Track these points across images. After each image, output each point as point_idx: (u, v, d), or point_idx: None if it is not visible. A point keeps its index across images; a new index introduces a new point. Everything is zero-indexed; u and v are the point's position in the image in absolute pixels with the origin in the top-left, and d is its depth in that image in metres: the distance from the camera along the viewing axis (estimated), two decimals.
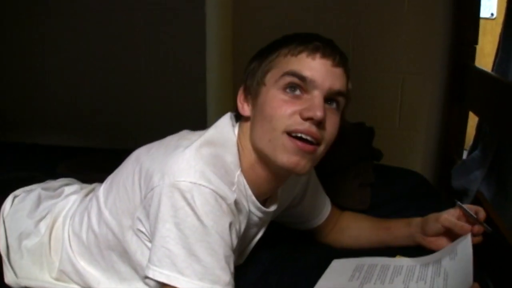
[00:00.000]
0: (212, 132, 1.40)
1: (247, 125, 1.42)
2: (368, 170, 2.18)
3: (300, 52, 1.34)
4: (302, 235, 1.83)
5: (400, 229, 1.72)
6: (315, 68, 1.32)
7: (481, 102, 2.25)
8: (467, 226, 1.53)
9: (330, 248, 1.79)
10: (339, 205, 1.72)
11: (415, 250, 1.65)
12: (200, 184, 1.23)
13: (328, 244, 1.82)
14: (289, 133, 1.31)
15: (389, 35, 2.74)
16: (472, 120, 2.54)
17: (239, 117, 1.46)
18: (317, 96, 1.31)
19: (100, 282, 1.46)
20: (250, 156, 1.41)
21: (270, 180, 1.45)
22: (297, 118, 1.31)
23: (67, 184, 1.75)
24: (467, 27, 2.52)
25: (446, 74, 2.67)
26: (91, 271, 1.46)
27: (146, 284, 1.37)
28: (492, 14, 4.41)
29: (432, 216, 1.63)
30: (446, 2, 2.62)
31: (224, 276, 1.23)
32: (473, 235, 1.51)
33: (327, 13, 2.79)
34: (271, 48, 1.40)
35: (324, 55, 1.33)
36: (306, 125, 1.31)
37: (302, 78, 1.31)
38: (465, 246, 1.46)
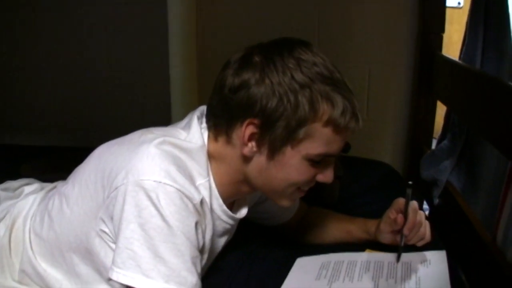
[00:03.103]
0: (178, 136, 1.36)
1: (234, 154, 1.35)
2: (336, 162, 2.16)
3: (342, 131, 1.29)
4: (270, 231, 1.81)
5: (360, 235, 1.72)
6: (343, 143, 1.34)
7: (449, 91, 2.25)
8: (400, 217, 1.52)
9: (298, 244, 1.77)
10: (307, 199, 1.70)
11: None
12: (165, 183, 1.20)
13: (296, 240, 1.80)
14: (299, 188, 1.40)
15: (355, 25, 2.72)
16: (441, 109, 2.53)
17: (216, 127, 1.37)
18: (332, 162, 1.38)
19: (62, 285, 1.41)
20: (229, 176, 1.40)
21: (247, 192, 1.48)
22: (313, 179, 1.38)
23: (27, 184, 1.69)
24: (433, 15, 2.51)
25: (413, 64, 2.66)
26: (52, 273, 1.41)
27: (111, 286, 1.33)
28: (459, 3, 4.45)
29: (378, 228, 1.63)
30: None
31: (190, 277, 1.21)
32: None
33: (292, 4, 2.76)
34: (301, 82, 1.25)
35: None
36: (314, 183, 1.41)
37: (333, 155, 1.34)
38: (440, 260, 1.49)
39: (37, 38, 3.08)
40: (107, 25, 3.00)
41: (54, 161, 2.64)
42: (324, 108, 1.25)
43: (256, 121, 1.27)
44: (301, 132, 1.26)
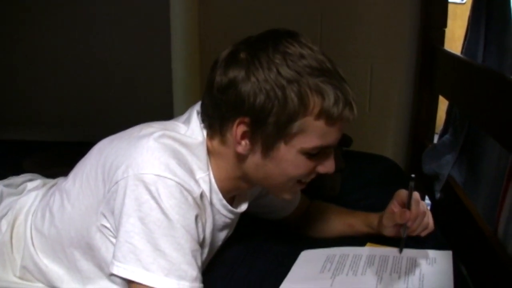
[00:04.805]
0: (178, 130, 1.36)
1: (230, 153, 1.35)
2: (338, 156, 2.16)
3: (336, 121, 1.26)
4: (271, 226, 1.81)
5: (362, 228, 1.72)
6: (340, 133, 1.32)
7: (451, 86, 2.25)
8: (406, 211, 1.51)
9: (300, 238, 1.77)
10: (309, 192, 1.71)
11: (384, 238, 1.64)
12: (165, 177, 1.20)
13: (298, 233, 1.80)
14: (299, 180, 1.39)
15: (357, 20, 2.72)
16: (443, 104, 2.54)
17: (211, 123, 1.37)
18: (331, 153, 1.35)
19: (63, 281, 1.41)
20: (227, 172, 1.39)
21: (246, 188, 1.48)
22: (313, 172, 1.36)
23: (30, 180, 1.70)
24: (436, 10, 2.51)
25: (416, 58, 2.67)
26: (54, 269, 1.42)
27: (112, 281, 1.33)
28: None
29: (380, 222, 1.62)
30: None
31: (191, 271, 1.21)
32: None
33: (294, 0, 2.77)
34: (288, 76, 1.23)
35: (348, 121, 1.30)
36: (315, 175, 1.38)
37: (330, 146, 1.32)
38: (446, 259, 1.49)
39: (40, 34, 3.08)
40: (110, 23, 2.99)
41: (56, 156, 2.65)
42: (314, 101, 1.23)
43: (246, 119, 1.26)
44: (293, 127, 1.25)
